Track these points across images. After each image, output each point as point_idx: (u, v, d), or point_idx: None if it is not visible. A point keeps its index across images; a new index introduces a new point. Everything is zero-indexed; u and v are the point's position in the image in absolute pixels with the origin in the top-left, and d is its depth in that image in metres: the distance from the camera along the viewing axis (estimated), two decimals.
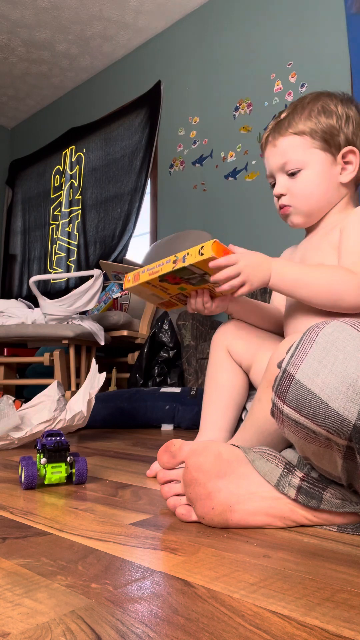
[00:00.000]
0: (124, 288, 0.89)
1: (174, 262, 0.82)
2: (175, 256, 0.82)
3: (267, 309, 0.98)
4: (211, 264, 0.77)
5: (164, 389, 1.97)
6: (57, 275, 3.26)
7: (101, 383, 1.35)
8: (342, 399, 0.48)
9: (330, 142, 0.85)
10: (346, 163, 0.86)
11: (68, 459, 0.84)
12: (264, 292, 2.23)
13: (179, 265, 0.80)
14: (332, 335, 0.51)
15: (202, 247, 0.78)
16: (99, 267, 3.00)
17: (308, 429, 0.52)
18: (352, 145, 0.85)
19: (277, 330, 0.96)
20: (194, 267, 0.80)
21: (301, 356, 0.52)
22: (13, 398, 1.29)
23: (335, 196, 0.87)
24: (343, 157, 0.85)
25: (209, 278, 0.82)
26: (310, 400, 0.50)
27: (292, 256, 0.95)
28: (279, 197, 0.88)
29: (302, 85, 2.66)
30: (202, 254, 0.77)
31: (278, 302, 1.00)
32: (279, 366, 0.54)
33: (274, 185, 0.90)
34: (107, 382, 2.49)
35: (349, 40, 2.48)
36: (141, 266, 2.75)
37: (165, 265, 0.83)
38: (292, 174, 0.86)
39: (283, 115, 0.88)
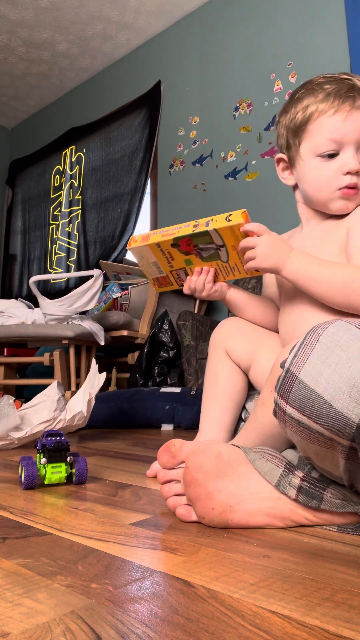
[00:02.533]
0: (128, 247, 0.87)
1: (195, 226, 0.80)
2: (196, 221, 0.81)
3: (263, 302, 0.97)
4: (244, 226, 0.77)
5: (164, 389, 1.97)
6: (57, 275, 3.27)
7: (101, 383, 1.35)
8: (345, 399, 0.48)
9: None
10: None
11: (68, 459, 0.84)
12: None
13: (201, 228, 0.79)
14: (335, 335, 0.51)
15: (230, 215, 0.78)
16: (99, 267, 3.00)
17: (311, 429, 0.52)
18: None
19: (271, 325, 0.95)
20: (216, 233, 0.79)
21: (304, 356, 0.51)
22: (13, 398, 1.29)
23: None
24: None
25: (224, 253, 0.81)
26: (313, 400, 0.50)
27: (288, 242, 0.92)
28: (354, 173, 0.78)
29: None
30: (229, 220, 0.77)
31: (269, 293, 0.99)
32: (282, 366, 0.54)
33: (331, 155, 0.79)
34: (107, 382, 2.48)
35: (349, 40, 2.48)
36: None
37: (184, 229, 0.81)
38: None
39: None
